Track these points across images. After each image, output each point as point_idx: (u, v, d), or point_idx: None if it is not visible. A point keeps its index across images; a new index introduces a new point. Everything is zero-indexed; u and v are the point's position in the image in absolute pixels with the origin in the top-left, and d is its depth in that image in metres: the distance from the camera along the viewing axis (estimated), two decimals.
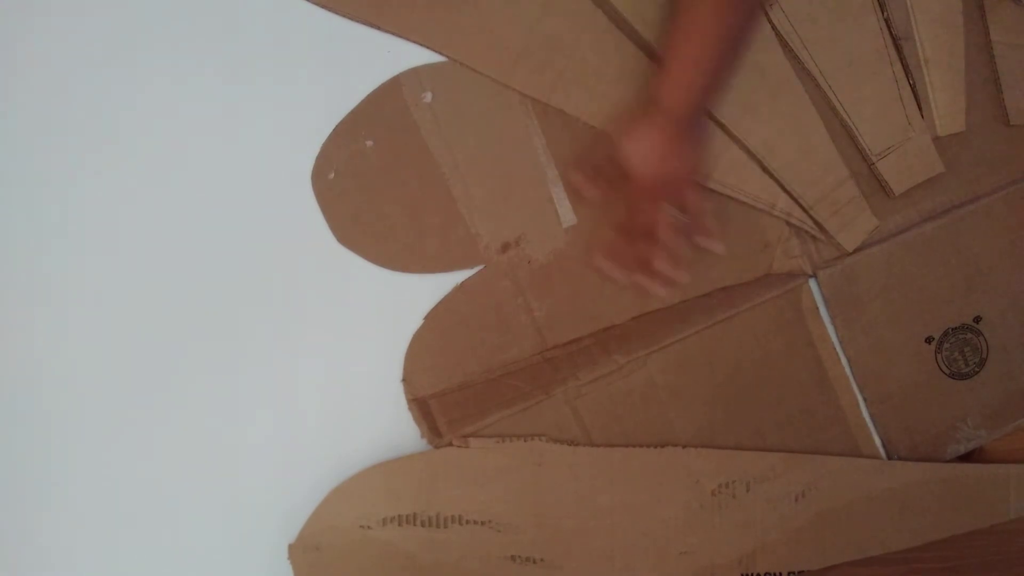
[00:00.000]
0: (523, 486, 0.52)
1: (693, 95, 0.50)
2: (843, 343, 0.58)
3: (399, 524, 0.51)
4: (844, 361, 0.58)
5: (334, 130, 0.52)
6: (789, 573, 0.56)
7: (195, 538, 0.53)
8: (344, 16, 0.52)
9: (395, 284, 0.53)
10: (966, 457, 0.61)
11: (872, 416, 0.58)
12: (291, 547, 0.50)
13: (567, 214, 0.55)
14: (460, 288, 0.54)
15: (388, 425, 0.53)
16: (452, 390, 0.54)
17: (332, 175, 0.53)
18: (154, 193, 0.52)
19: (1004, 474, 0.58)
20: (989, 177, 0.59)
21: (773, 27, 0.55)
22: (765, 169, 0.56)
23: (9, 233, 0.51)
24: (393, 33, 0.52)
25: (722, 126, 0.55)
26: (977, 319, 0.59)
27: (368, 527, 0.51)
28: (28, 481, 0.51)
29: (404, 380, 0.53)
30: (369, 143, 0.53)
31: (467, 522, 0.51)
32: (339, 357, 0.54)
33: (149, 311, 0.52)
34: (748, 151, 0.55)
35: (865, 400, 0.58)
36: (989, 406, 0.60)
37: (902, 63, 0.57)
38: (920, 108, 0.57)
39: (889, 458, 0.59)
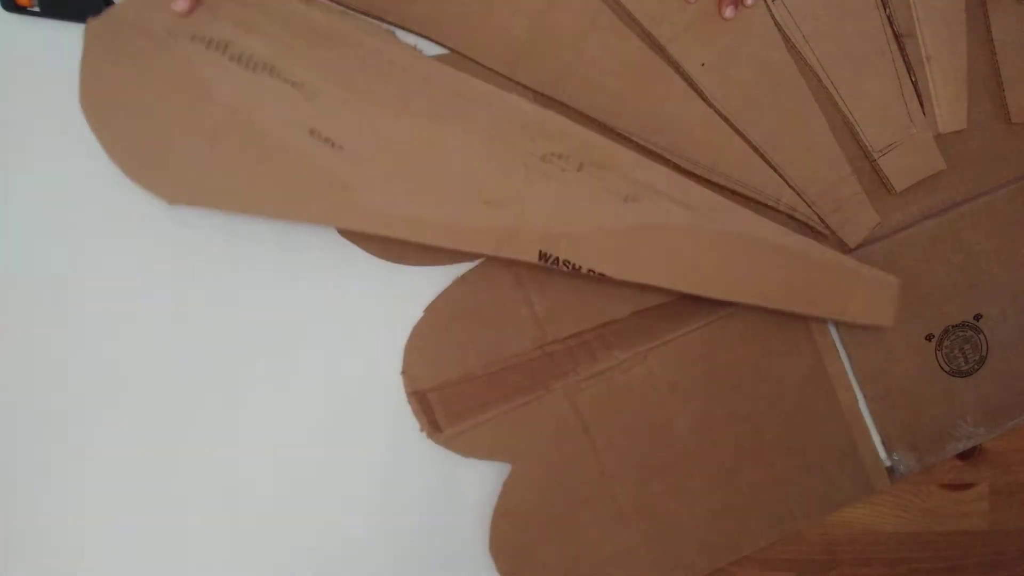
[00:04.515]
0: (352, 67, 0.48)
1: None
2: (843, 339, 0.57)
3: (207, 47, 0.46)
4: (844, 357, 0.58)
5: None
6: (589, 271, 0.51)
7: (193, 527, 0.53)
8: (346, 7, 0.52)
9: (395, 276, 0.53)
10: (966, 454, 0.61)
11: (871, 412, 0.58)
12: (88, 25, 0.45)
13: None
14: (460, 281, 0.54)
15: (387, 418, 0.53)
16: (451, 383, 0.54)
17: None
18: None
19: (853, 272, 0.54)
20: (990, 174, 0.59)
21: (775, 21, 0.55)
22: (769, 163, 0.56)
23: (8, 230, 0.51)
24: (395, 24, 0.52)
25: (725, 119, 0.55)
26: (978, 317, 0.59)
27: (175, 36, 0.46)
28: (26, 479, 0.51)
29: (403, 372, 0.53)
30: None
31: (280, 77, 0.47)
32: (338, 348, 0.53)
33: (148, 301, 0.52)
34: (752, 145, 0.55)
35: (864, 397, 0.58)
36: (989, 404, 0.59)
37: (904, 60, 0.57)
38: (922, 105, 0.57)
39: (888, 454, 0.59)
